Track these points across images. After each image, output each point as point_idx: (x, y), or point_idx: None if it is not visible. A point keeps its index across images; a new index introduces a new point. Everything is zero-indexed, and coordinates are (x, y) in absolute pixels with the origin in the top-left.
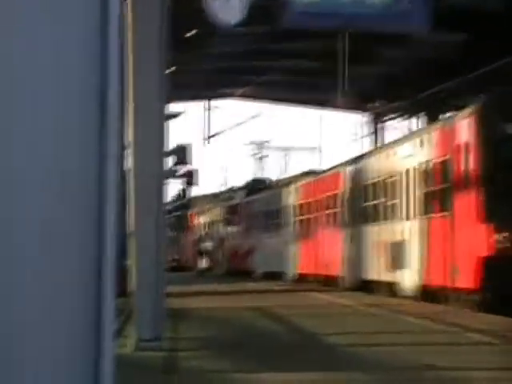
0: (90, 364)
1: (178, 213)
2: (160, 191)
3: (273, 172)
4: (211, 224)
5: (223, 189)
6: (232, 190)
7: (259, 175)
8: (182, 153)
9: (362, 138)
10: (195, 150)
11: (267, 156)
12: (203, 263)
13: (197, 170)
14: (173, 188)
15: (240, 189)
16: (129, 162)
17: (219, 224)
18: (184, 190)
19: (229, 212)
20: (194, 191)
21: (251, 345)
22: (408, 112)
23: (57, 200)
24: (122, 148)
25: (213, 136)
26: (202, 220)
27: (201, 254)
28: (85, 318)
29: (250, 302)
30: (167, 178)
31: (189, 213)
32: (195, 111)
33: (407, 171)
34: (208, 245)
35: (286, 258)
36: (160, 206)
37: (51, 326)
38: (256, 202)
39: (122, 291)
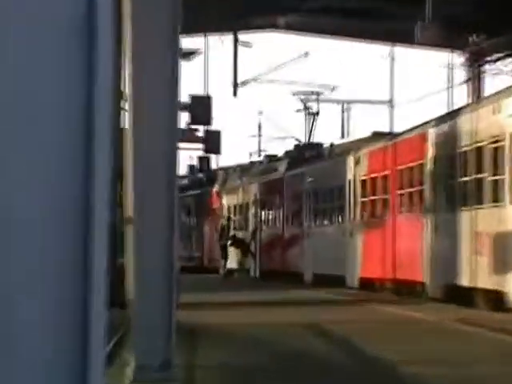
0: None
1: (196, 191)
2: (171, 160)
3: (327, 135)
4: (241, 207)
5: (257, 158)
6: (270, 160)
7: (308, 139)
8: (199, 108)
9: (453, 86)
10: (218, 105)
11: (319, 112)
12: (230, 261)
13: (219, 132)
14: (186, 157)
15: (281, 158)
16: (128, 119)
17: (253, 207)
18: (202, 160)
19: (266, 190)
20: (216, 161)
21: (295, 377)
22: None
23: (23, 175)
24: (120, 98)
25: (243, 84)
26: (228, 201)
27: (226, 249)
28: (64, 341)
29: (295, 316)
30: (180, 142)
31: (210, 191)
32: (218, 50)
33: None
34: (237, 236)
35: (346, 257)
36: (171, 181)
37: (14, 352)
38: (304, 177)
39: (116, 301)
